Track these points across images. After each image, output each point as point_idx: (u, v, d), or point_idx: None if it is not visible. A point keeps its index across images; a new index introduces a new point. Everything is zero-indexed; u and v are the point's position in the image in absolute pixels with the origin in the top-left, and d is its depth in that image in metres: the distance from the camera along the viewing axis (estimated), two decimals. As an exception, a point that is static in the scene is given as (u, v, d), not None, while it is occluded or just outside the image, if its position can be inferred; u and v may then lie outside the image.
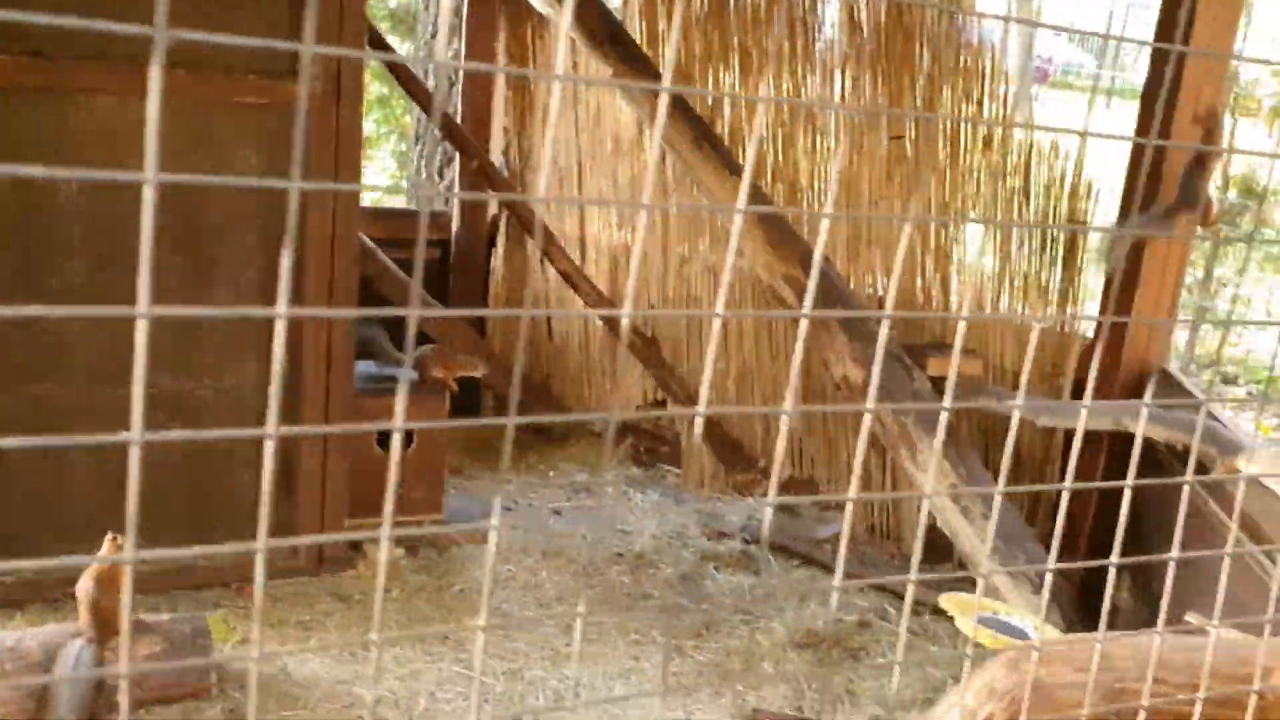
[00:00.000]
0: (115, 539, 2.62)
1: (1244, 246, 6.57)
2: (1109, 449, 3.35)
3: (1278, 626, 2.30)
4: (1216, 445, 2.40)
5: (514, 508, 4.11)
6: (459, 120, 4.48)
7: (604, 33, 3.84)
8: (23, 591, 3.14)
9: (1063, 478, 3.61)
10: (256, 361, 3.33)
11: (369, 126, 7.71)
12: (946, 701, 1.77)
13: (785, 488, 4.27)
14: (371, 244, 4.15)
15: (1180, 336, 6.57)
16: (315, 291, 3.28)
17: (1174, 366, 3.50)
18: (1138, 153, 3.36)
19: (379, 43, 4.18)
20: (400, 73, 4.25)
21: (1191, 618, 2.36)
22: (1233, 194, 6.59)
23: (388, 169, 7.86)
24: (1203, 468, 2.66)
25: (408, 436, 3.68)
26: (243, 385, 3.33)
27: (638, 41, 4.06)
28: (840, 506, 4.18)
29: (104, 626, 2.64)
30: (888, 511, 4.10)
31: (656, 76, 3.96)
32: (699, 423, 4.40)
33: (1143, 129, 3.41)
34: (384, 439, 3.66)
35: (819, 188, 4.03)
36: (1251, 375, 6.36)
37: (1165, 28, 3.31)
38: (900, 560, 4.00)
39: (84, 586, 2.64)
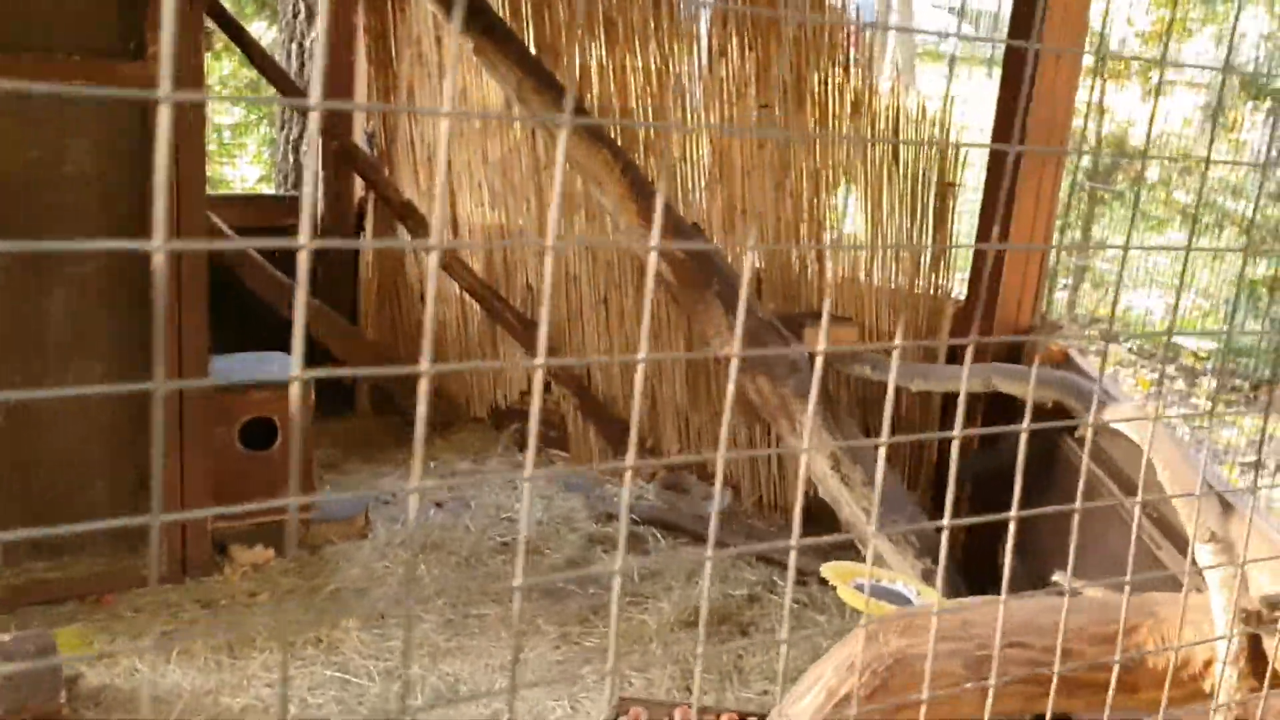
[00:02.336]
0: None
1: (1123, 206, 6.71)
2: (986, 409, 3.35)
3: (1142, 585, 2.30)
4: (1081, 401, 2.39)
5: (392, 500, 3.98)
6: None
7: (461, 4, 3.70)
8: None
9: (942, 441, 3.61)
10: (102, 361, 3.14)
11: (239, 113, 7.43)
12: (808, 677, 1.71)
13: (674, 465, 4.21)
14: (232, 233, 3.97)
15: (1061, 296, 6.69)
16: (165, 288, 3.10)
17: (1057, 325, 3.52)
18: (1003, 117, 3.36)
19: (229, 22, 3.99)
20: (253, 53, 4.06)
21: (1059, 578, 2.36)
22: (1107, 154, 6.72)
23: (263, 156, 7.59)
24: (1074, 425, 2.66)
25: (272, 432, 3.53)
26: (92, 382, 3.14)
27: (500, 13, 3.93)
28: (731, 483, 4.14)
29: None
30: (775, 485, 4.07)
31: (521, 49, 3.84)
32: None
33: (1006, 91, 3.41)
34: (249, 437, 3.50)
35: (692, 158, 3.95)
36: (1132, 332, 6.49)
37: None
38: (789, 532, 3.97)
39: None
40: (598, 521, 3.94)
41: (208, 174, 6.72)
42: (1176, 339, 5.99)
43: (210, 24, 3.89)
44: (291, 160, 5.32)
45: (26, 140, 2.86)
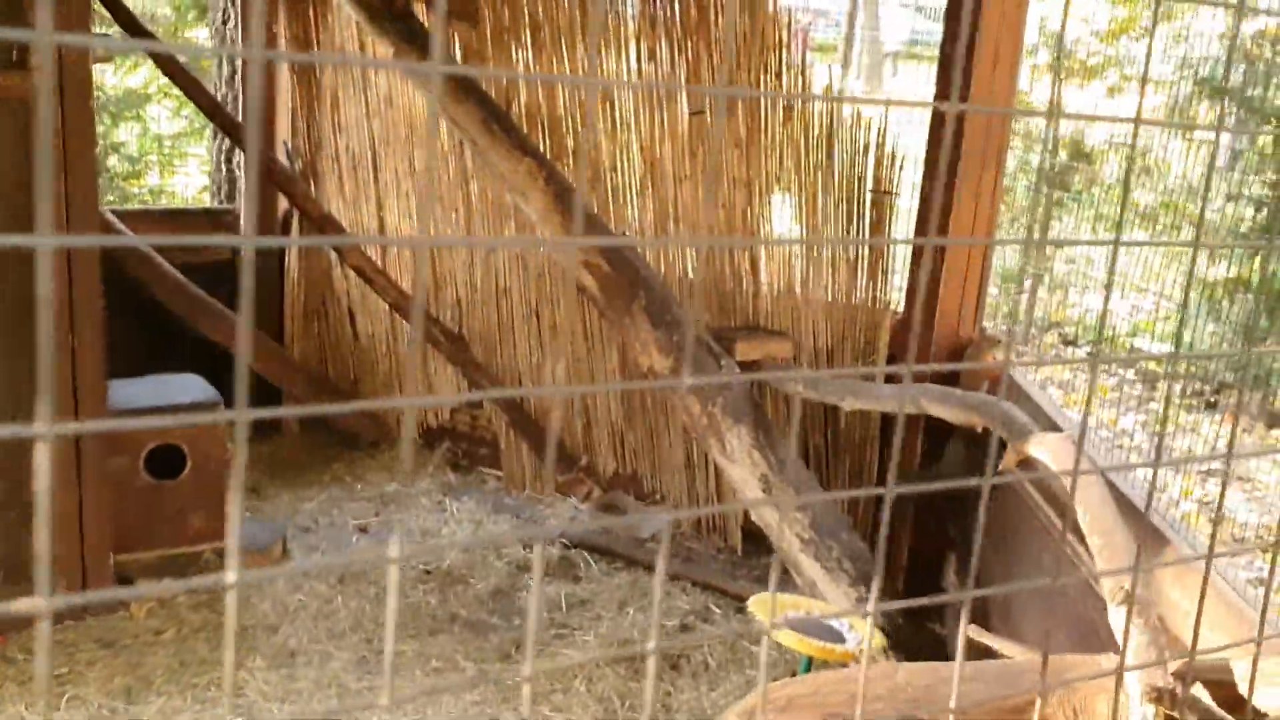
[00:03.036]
0: None
1: (1079, 208, 6.59)
2: (926, 425, 3.21)
3: (1066, 633, 2.15)
4: (1008, 429, 2.25)
5: (313, 528, 3.81)
6: (239, 110, 4.14)
7: (383, 8, 3.55)
8: None
9: (883, 459, 3.47)
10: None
11: (182, 123, 7.23)
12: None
13: (610, 483, 4.05)
14: (149, 249, 3.81)
15: (1008, 303, 6.56)
16: (56, 311, 2.92)
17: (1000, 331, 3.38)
18: (938, 119, 3.22)
19: (138, 30, 3.81)
20: (166, 65, 3.89)
21: (973, 632, 2.22)
22: (1063, 155, 6.61)
23: (204, 167, 7.39)
24: (1005, 444, 2.53)
25: (181, 460, 3.36)
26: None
27: (422, 19, 3.77)
28: (660, 500, 3.99)
29: None
30: (714, 505, 3.92)
31: (440, 54, 3.69)
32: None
33: (941, 94, 3.27)
34: (154, 465, 3.33)
35: (621, 167, 3.80)
36: (1089, 336, 6.38)
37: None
38: (728, 553, 3.83)
39: None
40: (527, 547, 3.79)
41: (152, 184, 6.48)
42: (1138, 343, 5.89)
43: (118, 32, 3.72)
44: (224, 172, 5.15)
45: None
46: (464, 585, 3.52)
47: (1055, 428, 2.43)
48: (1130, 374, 5.96)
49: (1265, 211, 5.17)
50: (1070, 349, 6.57)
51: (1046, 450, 2.02)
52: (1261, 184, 5.40)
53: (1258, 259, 4.96)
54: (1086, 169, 6.31)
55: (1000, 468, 2.13)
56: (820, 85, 3.75)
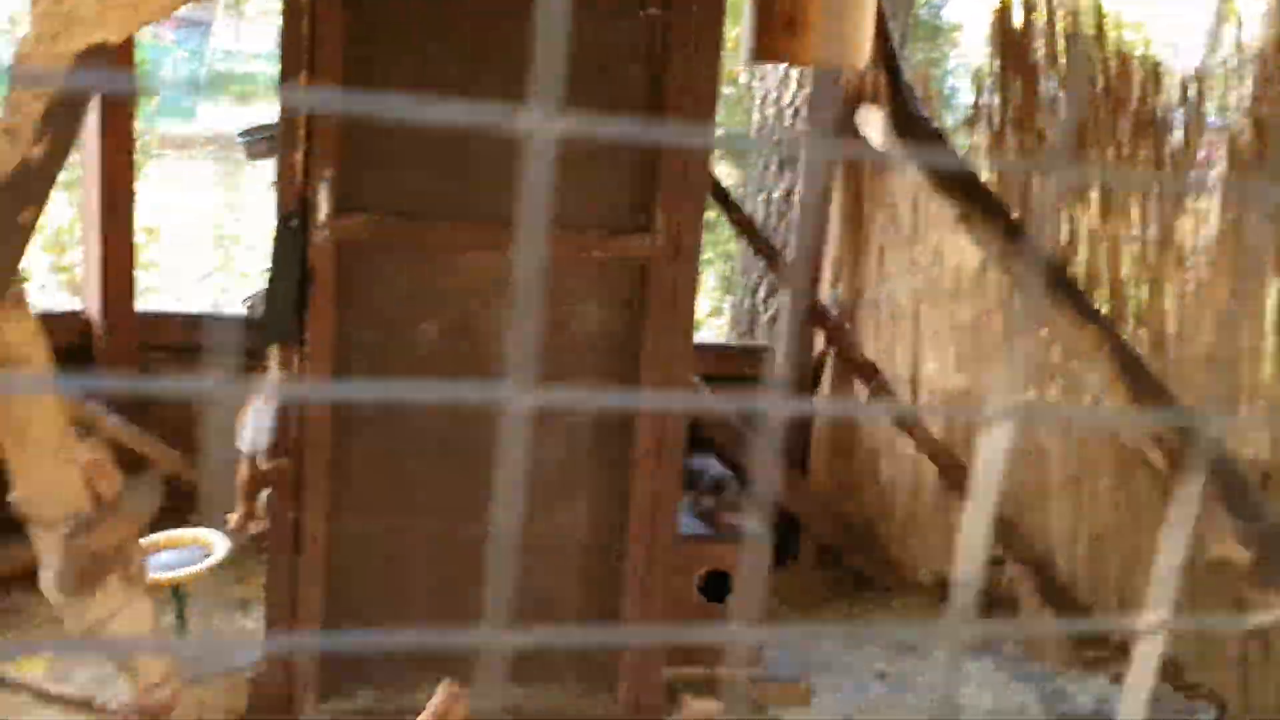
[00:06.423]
0: (451, 684, 2.63)
1: None
2: None
3: None
4: None
5: (833, 667, 3.88)
6: (787, 253, 4.42)
7: (949, 173, 3.68)
8: (361, 720, 3.25)
9: None
10: (586, 501, 3.34)
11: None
12: None
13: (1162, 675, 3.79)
14: (697, 380, 4.13)
15: None
16: (646, 439, 3.26)
17: None
18: None
19: (726, 200, 4.21)
20: (730, 208, 4.25)
21: None
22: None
23: (709, 294, 7.94)
24: None
25: (728, 584, 3.57)
26: (574, 524, 3.34)
27: (986, 180, 3.86)
28: (1205, 696, 3.66)
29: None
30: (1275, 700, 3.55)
31: (1004, 216, 3.74)
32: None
33: None
34: (705, 587, 3.56)
35: (1188, 333, 3.63)
36: None
37: None
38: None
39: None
40: (1055, 721, 3.62)
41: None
42: None
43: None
44: (746, 306, 5.49)
45: (551, 303, 3.14)
46: (990, 753, 3.43)
47: None
48: None
49: None
50: None
51: None
52: None
53: None
54: None
55: None
56: None
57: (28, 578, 3.83)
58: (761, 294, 5.41)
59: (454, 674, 2.58)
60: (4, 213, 1.02)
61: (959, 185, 3.75)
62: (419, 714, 2.63)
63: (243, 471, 3.22)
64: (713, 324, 7.21)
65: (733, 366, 4.61)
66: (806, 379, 4.50)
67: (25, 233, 1.10)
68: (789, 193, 4.99)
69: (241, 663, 3.19)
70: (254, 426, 3.25)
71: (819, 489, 4.53)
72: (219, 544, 3.36)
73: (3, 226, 1.06)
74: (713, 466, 4.01)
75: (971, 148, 4.09)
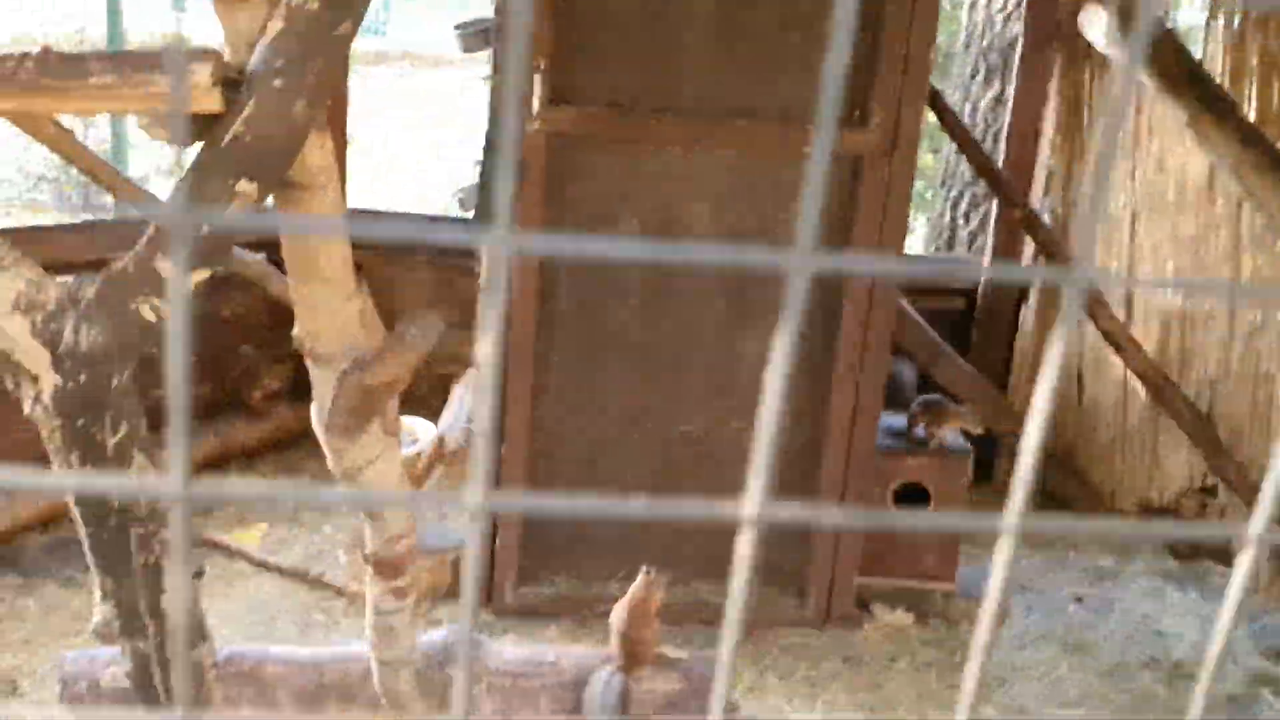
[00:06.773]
0: (649, 573, 2.67)
1: None
2: None
3: None
4: None
5: (1029, 588, 3.78)
6: (999, 164, 4.24)
7: (1180, 72, 3.43)
8: (558, 606, 3.35)
9: None
10: (786, 406, 3.31)
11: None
12: None
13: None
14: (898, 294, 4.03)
15: None
16: (849, 346, 3.21)
17: None
18: None
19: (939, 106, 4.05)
20: (943, 111, 4.08)
21: None
22: None
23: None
24: None
25: (925, 497, 3.51)
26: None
27: (1219, 80, 3.59)
28: None
29: (632, 657, 2.71)
30: None
31: (1240, 120, 3.48)
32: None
33: None
34: (900, 498, 3.51)
35: None
36: None
37: None
38: None
39: (617, 616, 2.72)
40: (1265, 656, 3.45)
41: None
42: None
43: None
44: (947, 219, 5.32)
45: (755, 201, 3.10)
46: (1190, 681, 3.29)
47: None
48: None
49: None
50: None
51: None
52: None
53: None
54: None
55: None
56: None
57: (245, 457, 4.12)
58: (963, 207, 5.23)
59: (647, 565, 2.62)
60: (323, 23, 1.06)
61: (1189, 86, 3.50)
62: (611, 603, 2.69)
63: (430, 449, 3.26)
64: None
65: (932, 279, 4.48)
66: (1011, 298, 4.34)
67: (343, 43, 1.14)
68: (997, 100, 4.78)
69: (445, 544, 3.33)
70: (455, 411, 3.35)
71: (1020, 409, 4.38)
72: (423, 433, 3.49)
73: (321, 37, 1.10)
74: (907, 373, 3.94)
75: (1204, 44, 3.81)
